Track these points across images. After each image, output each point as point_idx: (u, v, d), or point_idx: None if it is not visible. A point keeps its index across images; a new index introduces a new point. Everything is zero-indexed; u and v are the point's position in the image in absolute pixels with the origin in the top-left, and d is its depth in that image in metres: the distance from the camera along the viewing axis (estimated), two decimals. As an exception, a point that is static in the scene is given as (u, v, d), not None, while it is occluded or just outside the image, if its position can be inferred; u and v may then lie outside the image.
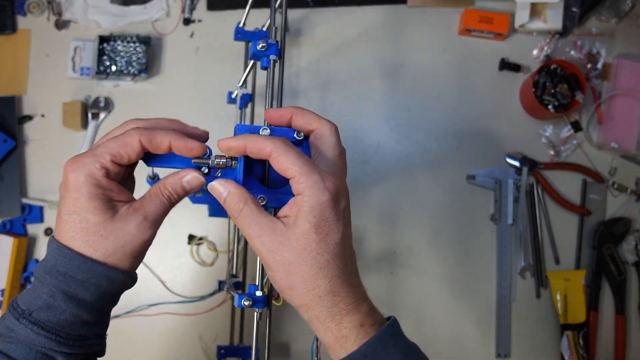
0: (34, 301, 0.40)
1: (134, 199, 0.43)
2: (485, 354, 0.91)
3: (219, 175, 0.45)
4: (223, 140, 0.41)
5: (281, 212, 0.42)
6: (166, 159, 0.44)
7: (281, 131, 0.45)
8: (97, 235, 0.40)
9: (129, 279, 0.43)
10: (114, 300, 0.45)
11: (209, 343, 0.90)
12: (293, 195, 0.44)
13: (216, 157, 0.44)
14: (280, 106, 0.53)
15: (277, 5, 0.58)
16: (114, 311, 0.90)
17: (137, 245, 0.42)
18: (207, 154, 0.44)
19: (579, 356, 0.88)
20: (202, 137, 0.45)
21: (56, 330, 0.40)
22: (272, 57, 0.54)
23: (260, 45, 0.53)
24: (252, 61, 0.64)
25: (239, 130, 0.45)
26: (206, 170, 0.44)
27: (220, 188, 0.42)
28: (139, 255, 0.43)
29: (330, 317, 0.41)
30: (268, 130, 0.45)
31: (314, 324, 0.42)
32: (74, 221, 0.40)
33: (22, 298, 0.41)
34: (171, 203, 0.44)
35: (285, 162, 0.40)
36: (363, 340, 0.40)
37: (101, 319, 0.44)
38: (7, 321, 0.40)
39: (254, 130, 0.44)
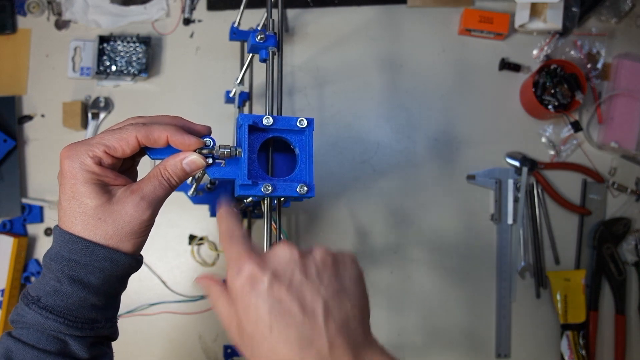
0: (43, 287, 0.41)
1: (131, 183, 0.44)
2: (485, 354, 0.91)
3: (223, 165, 0.45)
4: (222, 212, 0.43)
5: None
6: (168, 152, 0.44)
7: (283, 120, 0.46)
8: (95, 219, 0.41)
9: (134, 261, 0.44)
10: (122, 284, 0.45)
11: (209, 343, 0.90)
12: (298, 183, 0.45)
13: (220, 146, 0.44)
14: (280, 99, 0.52)
15: (273, 2, 0.57)
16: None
17: (136, 226, 0.42)
18: (211, 144, 0.44)
19: (579, 356, 0.88)
20: (202, 132, 0.46)
21: (64, 313, 0.41)
22: (271, 48, 0.54)
23: (258, 37, 0.53)
24: (250, 56, 0.64)
25: (242, 120, 0.45)
26: (210, 161, 0.44)
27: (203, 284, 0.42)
28: (140, 237, 0.43)
29: None
30: (271, 119, 0.45)
31: None
32: (73, 207, 0.41)
33: (33, 286, 0.42)
34: (171, 185, 0.44)
35: (224, 248, 0.40)
36: None
37: (110, 303, 0.44)
38: (19, 309, 0.42)
39: (256, 119, 0.45)
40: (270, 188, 0.44)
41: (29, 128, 0.95)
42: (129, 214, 0.42)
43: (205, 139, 0.44)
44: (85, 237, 0.41)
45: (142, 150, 0.44)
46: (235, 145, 0.45)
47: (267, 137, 0.47)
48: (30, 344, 0.40)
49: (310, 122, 0.46)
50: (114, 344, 0.47)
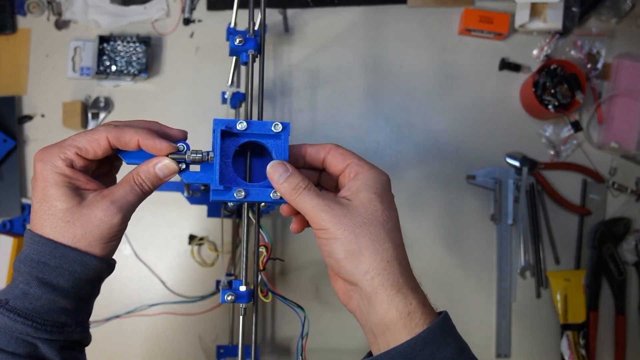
0: (12, 290, 0.41)
1: (103, 188, 0.44)
2: (485, 354, 0.91)
3: (198, 170, 0.45)
4: (306, 146, 0.46)
5: (340, 195, 0.44)
6: (143, 157, 0.44)
7: (258, 124, 0.46)
8: (64, 222, 0.41)
9: (105, 265, 0.43)
10: (94, 288, 0.45)
11: (208, 343, 0.90)
12: (273, 188, 0.45)
13: (192, 152, 0.44)
14: (261, 105, 0.52)
15: (253, 4, 0.57)
16: (115, 311, 0.89)
17: (105, 230, 0.42)
18: (184, 149, 0.44)
19: (579, 356, 0.88)
20: (177, 136, 0.45)
21: (32, 316, 0.41)
22: (251, 51, 0.53)
23: (237, 41, 0.52)
24: (234, 58, 0.64)
25: (216, 124, 0.45)
26: (183, 166, 0.44)
27: (283, 167, 0.44)
28: (110, 241, 0.43)
29: (396, 288, 0.40)
30: (244, 124, 0.45)
31: (377, 297, 0.40)
32: (43, 209, 0.41)
33: (2, 290, 0.42)
34: (143, 191, 0.44)
35: (343, 153, 0.45)
36: (426, 321, 0.39)
37: (80, 307, 0.44)
38: None
39: (230, 124, 0.45)
40: (243, 193, 0.44)
41: (29, 128, 0.95)
42: (98, 218, 0.41)
43: (178, 144, 0.44)
44: (54, 239, 0.41)
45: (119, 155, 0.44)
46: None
47: (241, 142, 0.46)
48: (0, 347, 0.40)
49: (285, 126, 0.46)
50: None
